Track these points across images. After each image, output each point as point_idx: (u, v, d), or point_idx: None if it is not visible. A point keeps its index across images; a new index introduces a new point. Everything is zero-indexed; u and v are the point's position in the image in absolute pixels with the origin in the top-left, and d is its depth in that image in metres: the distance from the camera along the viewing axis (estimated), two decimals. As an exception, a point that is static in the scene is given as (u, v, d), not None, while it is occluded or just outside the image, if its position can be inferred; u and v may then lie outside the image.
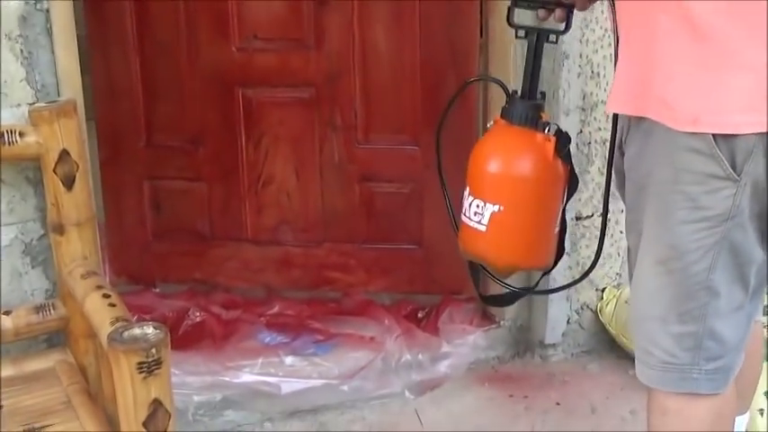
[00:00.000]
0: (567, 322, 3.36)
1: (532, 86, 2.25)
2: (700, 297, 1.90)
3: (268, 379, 3.11)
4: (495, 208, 2.15)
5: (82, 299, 2.20)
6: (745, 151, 1.78)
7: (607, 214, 2.19)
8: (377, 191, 3.48)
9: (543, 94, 2.24)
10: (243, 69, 3.39)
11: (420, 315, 3.51)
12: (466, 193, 2.21)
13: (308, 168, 3.46)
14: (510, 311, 3.39)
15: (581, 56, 3.06)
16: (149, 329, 1.88)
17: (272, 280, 3.60)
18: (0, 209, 2.43)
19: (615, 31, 2.00)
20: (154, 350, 1.83)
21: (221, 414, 3.06)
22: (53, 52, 2.41)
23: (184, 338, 3.30)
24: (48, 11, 2.39)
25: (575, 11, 2.12)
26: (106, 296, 2.15)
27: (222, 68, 3.39)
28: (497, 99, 3.22)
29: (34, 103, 2.38)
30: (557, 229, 2.21)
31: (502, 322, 3.42)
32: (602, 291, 3.36)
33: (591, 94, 3.11)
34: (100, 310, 2.09)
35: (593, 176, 3.17)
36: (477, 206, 2.17)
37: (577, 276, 3.12)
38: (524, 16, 2.20)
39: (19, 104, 2.38)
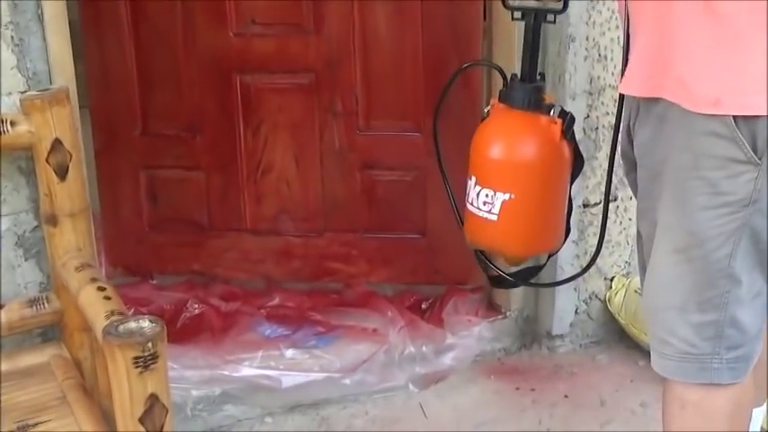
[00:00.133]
0: (575, 312, 3.36)
1: (532, 68, 2.25)
2: (721, 285, 1.89)
3: (268, 372, 3.11)
4: (506, 196, 2.15)
5: (76, 292, 2.20)
6: (767, 133, 1.77)
7: (608, 200, 2.18)
8: (379, 179, 3.48)
9: (543, 76, 2.23)
10: (241, 55, 3.38)
11: (424, 306, 3.50)
12: (472, 182, 2.21)
13: (309, 156, 3.46)
14: (516, 302, 3.38)
15: (587, 38, 3.05)
16: (145, 323, 1.87)
17: (271, 271, 3.60)
18: (-8, 200, 2.43)
19: (624, 12, 1.99)
20: (150, 344, 1.82)
21: (220, 409, 3.06)
22: (45, 39, 2.40)
23: (182, 331, 3.30)
24: (39, -4, 2.38)
25: None
26: (101, 289, 2.15)
27: (219, 54, 3.38)
28: (502, 83, 3.21)
29: (26, 92, 2.37)
30: (566, 211, 2.21)
31: (508, 313, 3.41)
32: (611, 280, 3.35)
33: (598, 77, 3.10)
34: (94, 304, 2.09)
35: (600, 162, 3.16)
36: (487, 195, 2.17)
37: (585, 265, 3.13)
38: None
39: (10, 93, 2.38)
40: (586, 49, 3.06)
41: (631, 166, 2.11)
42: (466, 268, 3.46)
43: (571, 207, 2.25)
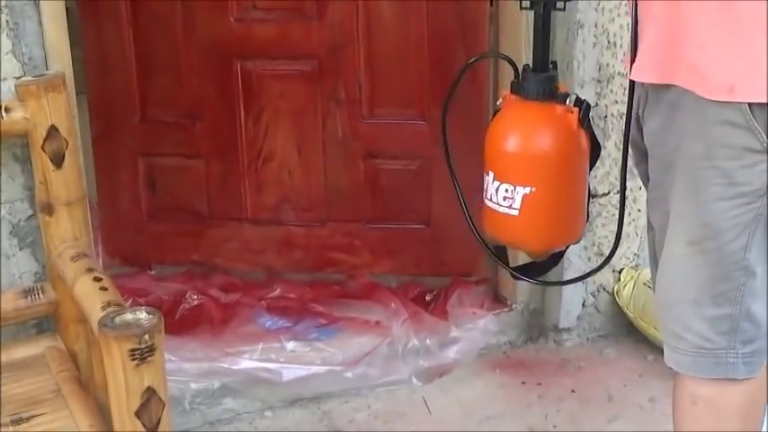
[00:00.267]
0: (583, 305, 3.36)
1: (544, 58, 2.24)
2: (736, 278, 1.88)
3: (268, 365, 3.11)
4: (527, 190, 2.15)
5: (72, 282, 2.20)
6: None
7: (625, 191, 2.17)
8: (382, 168, 3.47)
9: (555, 65, 2.23)
10: (241, 41, 3.37)
11: (428, 298, 3.50)
12: (489, 178, 2.21)
13: (311, 144, 3.45)
14: (522, 294, 3.38)
15: (596, 25, 3.04)
16: (142, 314, 1.87)
17: (272, 261, 3.60)
18: (-14, 188, 2.43)
19: None
20: (147, 336, 1.82)
21: (219, 402, 3.06)
22: (40, 23, 2.40)
23: (181, 323, 3.30)
24: (34, -21, 2.38)
25: None
26: (97, 279, 2.14)
27: (220, 40, 3.37)
28: (509, 72, 3.20)
29: (21, 77, 2.37)
30: (586, 200, 2.22)
31: (514, 305, 3.41)
32: (620, 272, 3.35)
33: (607, 65, 3.09)
34: (91, 294, 2.09)
35: (609, 152, 3.15)
36: (507, 190, 2.18)
37: (593, 257, 3.13)
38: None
39: (5, 78, 2.37)
40: (595, 35, 3.05)
41: (641, 156, 2.10)
42: (471, 259, 3.46)
43: (590, 196, 2.25)
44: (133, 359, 1.82)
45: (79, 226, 2.40)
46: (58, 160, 2.32)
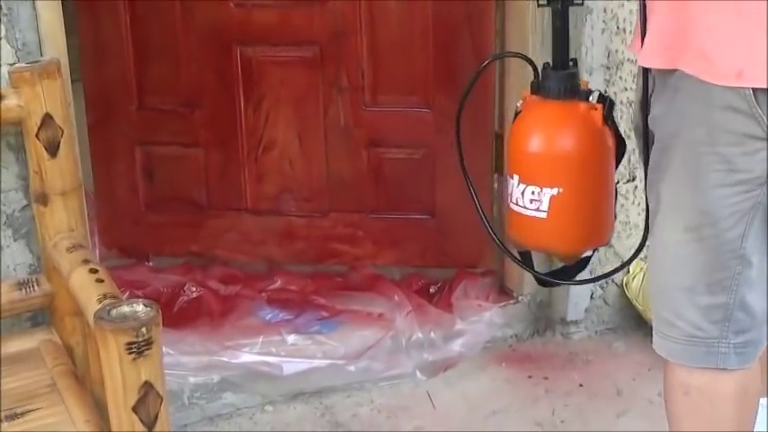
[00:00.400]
0: (591, 297, 3.35)
1: (564, 55, 2.25)
2: (732, 266, 1.90)
3: (269, 359, 3.10)
4: (554, 191, 2.16)
5: (68, 274, 2.19)
6: None
7: (646, 182, 2.17)
8: (386, 156, 3.47)
9: (575, 62, 2.23)
10: (241, 26, 3.37)
11: (432, 290, 3.50)
12: (514, 181, 2.22)
13: (312, 133, 3.45)
14: (529, 286, 3.37)
15: (605, 10, 3.04)
16: (139, 307, 1.87)
17: (273, 253, 3.59)
18: (-21, 178, 2.42)
19: None
20: (144, 329, 1.82)
21: (219, 397, 3.06)
22: (34, 8, 2.39)
23: (179, 316, 3.30)
24: (27, -38, 2.37)
25: None
26: (93, 271, 2.14)
27: (219, 25, 3.37)
28: (515, 60, 3.19)
29: (14, 64, 2.36)
30: (614, 198, 2.22)
31: (520, 298, 3.41)
32: (628, 264, 3.34)
33: (616, 51, 3.08)
34: (87, 287, 2.08)
35: (618, 141, 3.14)
36: (533, 193, 2.19)
37: (602, 249, 3.12)
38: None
39: (-2, 65, 2.37)
40: (604, 21, 3.04)
41: (647, 142, 2.10)
42: (476, 250, 3.46)
43: (616, 193, 2.25)
44: (130, 353, 1.81)
45: (75, 216, 2.40)
46: (52, 149, 2.31)
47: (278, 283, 3.50)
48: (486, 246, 3.45)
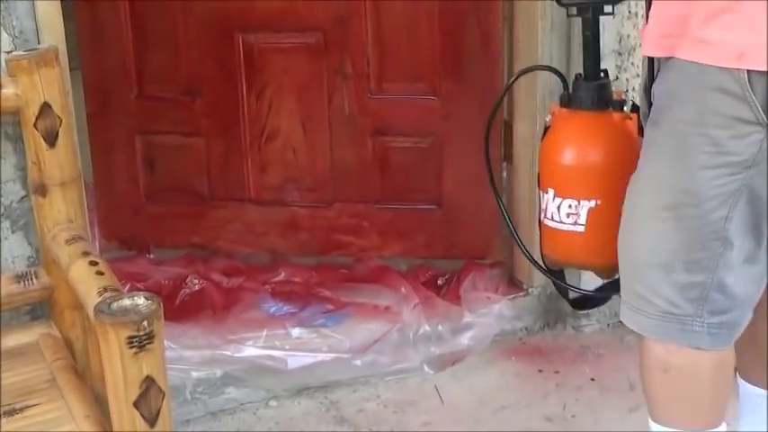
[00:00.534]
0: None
1: (595, 66, 2.27)
2: (713, 247, 1.93)
3: (273, 353, 3.11)
4: (592, 203, 2.18)
5: (67, 266, 2.19)
6: None
7: None
8: (391, 145, 3.47)
9: (606, 72, 2.24)
10: (243, 13, 3.37)
11: (440, 282, 3.50)
12: (549, 195, 2.25)
13: (316, 121, 3.45)
14: (539, 278, 3.37)
15: (617, -5, 3.03)
16: (140, 300, 1.86)
17: (277, 244, 3.60)
18: (-25, 169, 2.42)
19: None
20: (145, 323, 1.81)
21: (222, 391, 3.06)
22: (32, -5, 2.39)
23: (181, 309, 3.31)
24: (25, -53, 2.37)
25: None
26: (93, 263, 2.14)
27: (220, 12, 3.37)
28: (525, 42, 3.19)
29: (12, 52, 2.36)
30: None
31: (530, 290, 3.41)
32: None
33: (627, 36, 3.08)
34: (86, 279, 2.08)
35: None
36: (570, 206, 2.20)
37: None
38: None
39: (-5, 53, 2.37)
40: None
41: None
42: (485, 241, 3.46)
43: None
44: (131, 347, 1.81)
45: (74, 207, 2.39)
46: (51, 139, 2.31)
47: (282, 276, 3.50)
48: (495, 236, 3.46)
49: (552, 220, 2.25)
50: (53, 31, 2.43)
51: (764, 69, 1.77)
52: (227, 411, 3.06)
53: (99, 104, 3.51)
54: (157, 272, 3.47)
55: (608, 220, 2.17)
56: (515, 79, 2.63)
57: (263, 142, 3.48)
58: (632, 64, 3.10)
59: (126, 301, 1.86)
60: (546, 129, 2.36)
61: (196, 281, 3.42)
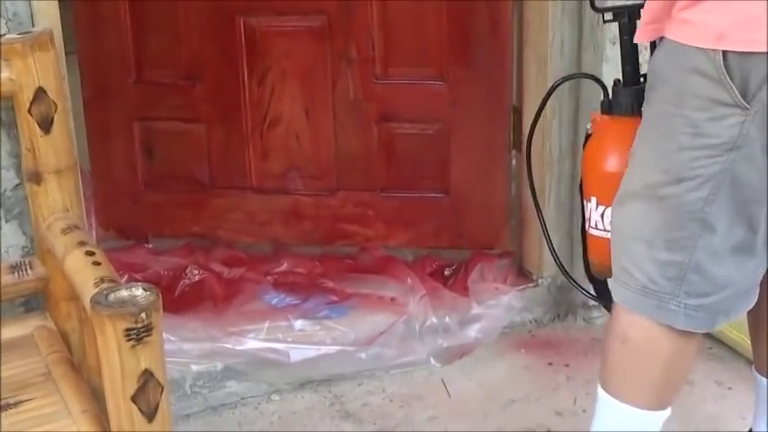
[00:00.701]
0: (615, 280, 3.34)
1: (634, 70, 2.29)
2: (690, 227, 1.97)
3: (275, 346, 3.11)
4: None
5: (62, 256, 2.18)
6: (761, 76, 1.82)
7: None
8: (397, 132, 3.46)
9: (645, 77, 2.26)
10: (245, -5, 3.36)
11: (447, 273, 3.51)
12: (592, 204, 2.29)
13: (320, 107, 3.44)
14: (549, 268, 3.37)
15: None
16: (139, 291, 1.85)
17: (279, 233, 3.60)
18: (-32, 155, 2.41)
19: None
20: (143, 315, 1.81)
21: (223, 385, 3.06)
22: (26, -24, 2.38)
23: (181, 300, 3.31)
24: (18, -74, 2.36)
25: None
26: (90, 253, 2.13)
27: (221, -6, 3.36)
28: (535, 25, 3.18)
29: (5, 35, 2.35)
30: None
31: (540, 281, 3.41)
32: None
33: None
34: (83, 270, 2.07)
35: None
36: None
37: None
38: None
39: (-13, 36, 2.36)
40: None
41: None
42: (493, 231, 3.45)
43: None
44: (129, 339, 1.80)
45: (70, 196, 2.38)
46: (46, 125, 2.30)
47: (284, 266, 3.51)
48: (504, 225, 3.46)
49: (596, 228, 2.29)
50: (48, 14, 2.42)
51: (743, 50, 1.81)
52: (227, 406, 3.06)
53: (96, 89, 3.51)
54: (156, 262, 3.47)
55: None
56: (555, 87, 2.65)
57: (265, 128, 3.47)
58: (645, 48, 3.08)
59: (123, 293, 1.85)
60: (587, 136, 2.40)
61: (196, 271, 3.42)
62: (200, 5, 3.37)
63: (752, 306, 2.11)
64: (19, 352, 2.31)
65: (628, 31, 2.31)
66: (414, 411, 3.03)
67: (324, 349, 3.13)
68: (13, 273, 2.39)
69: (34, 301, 2.51)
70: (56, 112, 2.31)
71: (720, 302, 2.04)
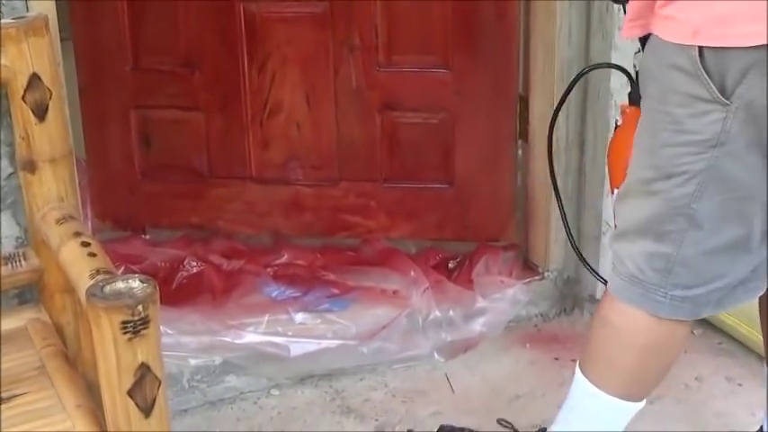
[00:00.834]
0: (622, 274, 3.34)
1: None
2: (678, 222, 2.03)
3: (275, 339, 3.11)
4: None
5: (57, 247, 2.18)
6: (739, 72, 1.86)
7: None
8: (401, 121, 3.46)
9: None
10: (244, -21, 3.36)
11: (451, 265, 3.51)
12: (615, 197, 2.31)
13: (322, 95, 3.44)
14: (555, 261, 3.38)
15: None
16: (135, 283, 1.85)
17: (279, 225, 3.60)
18: (-39, 144, 2.41)
19: None
20: (140, 307, 1.80)
21: (221, 380, 3.06)
22: (20, -41, 2.38)
23: (179, 293, 3.31)
24: None
25: None
26: (85, 244, 2.12)
27: (220, -21, 3.36)
28: (542, 13, 3.17)
29: (-1, 20, 2.34)
30: None
31: (546, 274, 3.41)
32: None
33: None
34: (78, 261, 2.07)
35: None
36: None
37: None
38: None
39: (-20, 21, 2.35)
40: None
41: None
42: (499, 223, 3.45)
43: None
44: (125, 332, 1.80)
45: (65, 185, 2.38)
46: (40, 112, 2.30)
47: (285, 258, 3.51)
48: (510, 217, 3.45)
49: None
50: (43, -1, 2.42)
51: (717, 45, 1.85)
52: (226, 400, 3.06)
53: (92, 77, 3.51)
54: (153, 253, 3.48)
55: None
56: (579, 77, 2.66)
57: (265, 117, 3.47)
58: (655, 35, 3.08)
59: (120, 285, 1.84)
60: (616, 127, 2.45)
61: (194, 263, 3.42)
62: (199, -10, 3.37)
63: (756, 297, 2.15)
64: (12, 345, 2.30)
65: None
66: (416, 407, 3.02)
67: (325, 343, 3.13)
68: (7, 264, 2.38)
69: (28, 293, 2.51)
70: (50, 99, 2.30)
71: (708, 294, 2.08)
